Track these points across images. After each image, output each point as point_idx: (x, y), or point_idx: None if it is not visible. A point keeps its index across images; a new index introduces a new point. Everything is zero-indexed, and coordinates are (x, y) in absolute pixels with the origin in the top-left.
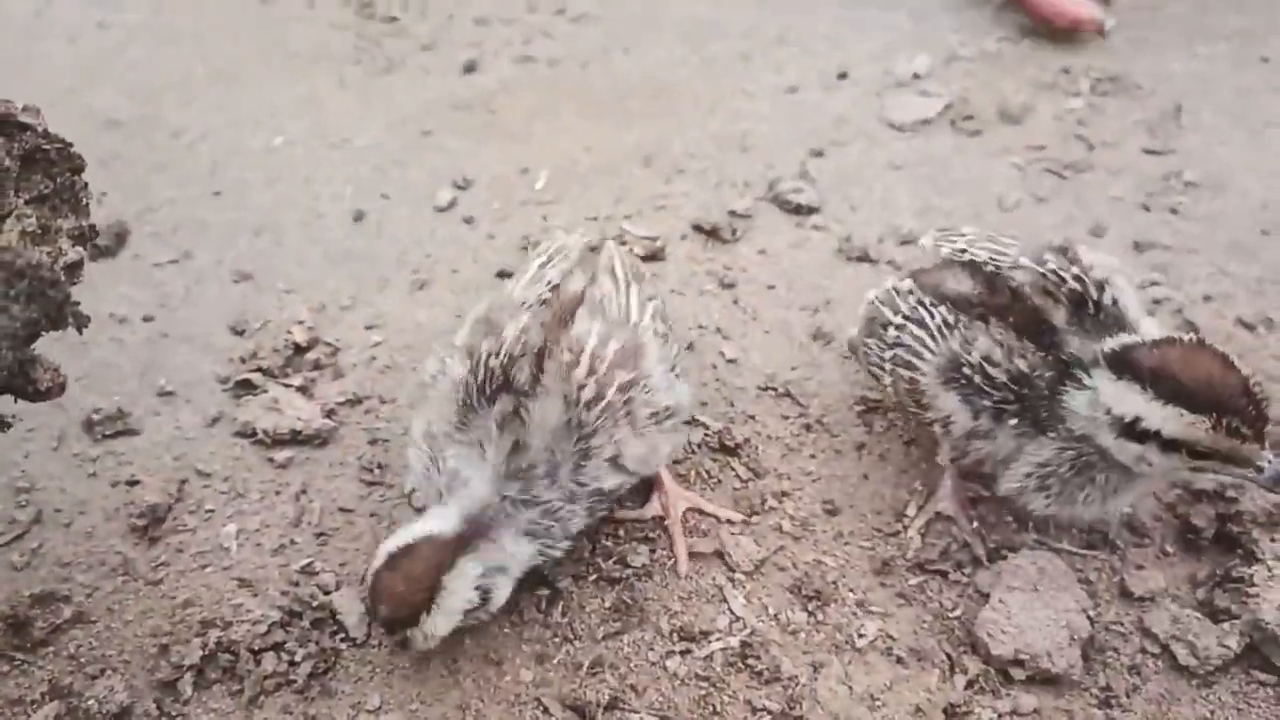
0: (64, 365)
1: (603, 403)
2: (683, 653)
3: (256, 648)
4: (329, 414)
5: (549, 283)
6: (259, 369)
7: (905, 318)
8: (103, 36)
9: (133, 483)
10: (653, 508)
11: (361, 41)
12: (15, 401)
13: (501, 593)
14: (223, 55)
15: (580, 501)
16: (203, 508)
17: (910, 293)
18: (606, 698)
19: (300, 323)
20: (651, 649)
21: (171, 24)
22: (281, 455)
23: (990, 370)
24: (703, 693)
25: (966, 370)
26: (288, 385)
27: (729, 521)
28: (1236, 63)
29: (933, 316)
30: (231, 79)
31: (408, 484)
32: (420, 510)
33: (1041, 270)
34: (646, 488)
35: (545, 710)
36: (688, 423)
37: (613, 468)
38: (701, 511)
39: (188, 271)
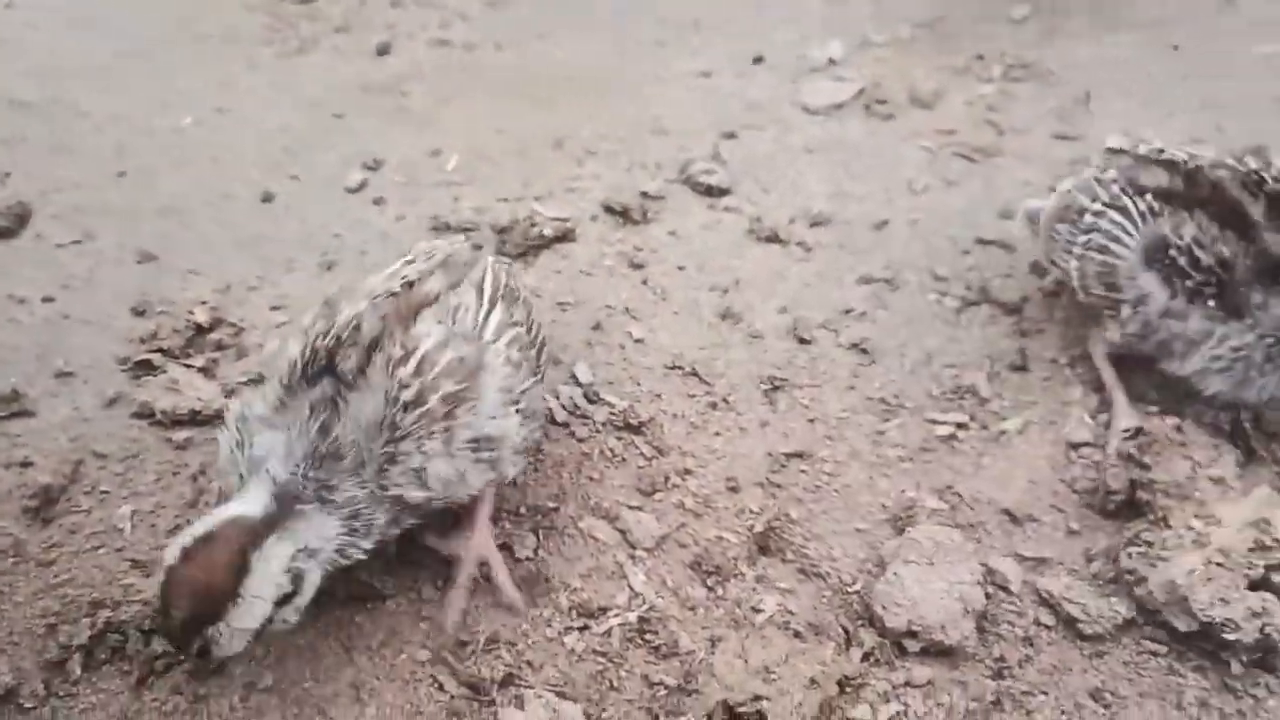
0: None
1: (422, 408)
2: (581, 629)
3: (147, 628)
4: (230, 394)
5: (404, 279)
6: (159, 349)
7: (1105, 204)
8: (9, 17)
9: (26, 464)
10: (452, 546)
11: (274, 23)
12: None
13: (312, 579)
14: (133, 37)
15: (383, 506)
16: (98, 489)
17: (1113, 181)
18: (502, 674)
19: (203, 303)
20: (549, 625)
21: (81, 5)
22: (180, 436)
23: (1198, 253)
24: (600, 668)
25: (1173, 252)
26: (189, 366)
27: (510, 608)
28: (1147, 51)
29: (1136, 204)
30: (141, 61)
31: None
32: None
33: (1241, 168)
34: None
35: (440, 687)
36: (521, 453)
37: (417, 481)
38: (487, 579)
39: (90, 253)
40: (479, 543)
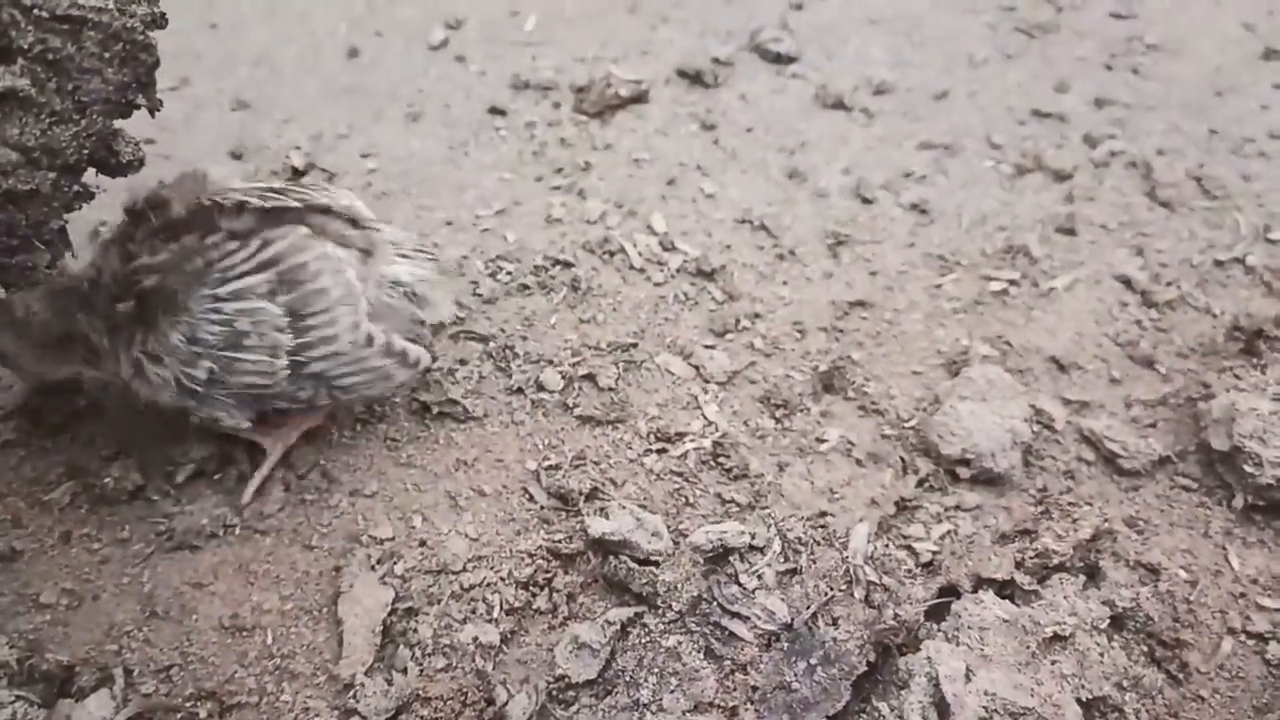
0: None
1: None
2: (659, 451)
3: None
4: None
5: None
6: None
7: None
8: None
9: None
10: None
11: None
12: (96, 174)
13: None
14: None
15: None
16: None
17: None
18: (588, 488)
19: (297, 148)
20: (630, 448)
21: None
22: None
23: None
24: (677, 486)
25: None
26: None
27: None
28: None
29: None
30: None
31: None
32: None
33: None
34: None
35: (531, 498)
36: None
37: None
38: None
39: (186, 98)
40: (281, 435)
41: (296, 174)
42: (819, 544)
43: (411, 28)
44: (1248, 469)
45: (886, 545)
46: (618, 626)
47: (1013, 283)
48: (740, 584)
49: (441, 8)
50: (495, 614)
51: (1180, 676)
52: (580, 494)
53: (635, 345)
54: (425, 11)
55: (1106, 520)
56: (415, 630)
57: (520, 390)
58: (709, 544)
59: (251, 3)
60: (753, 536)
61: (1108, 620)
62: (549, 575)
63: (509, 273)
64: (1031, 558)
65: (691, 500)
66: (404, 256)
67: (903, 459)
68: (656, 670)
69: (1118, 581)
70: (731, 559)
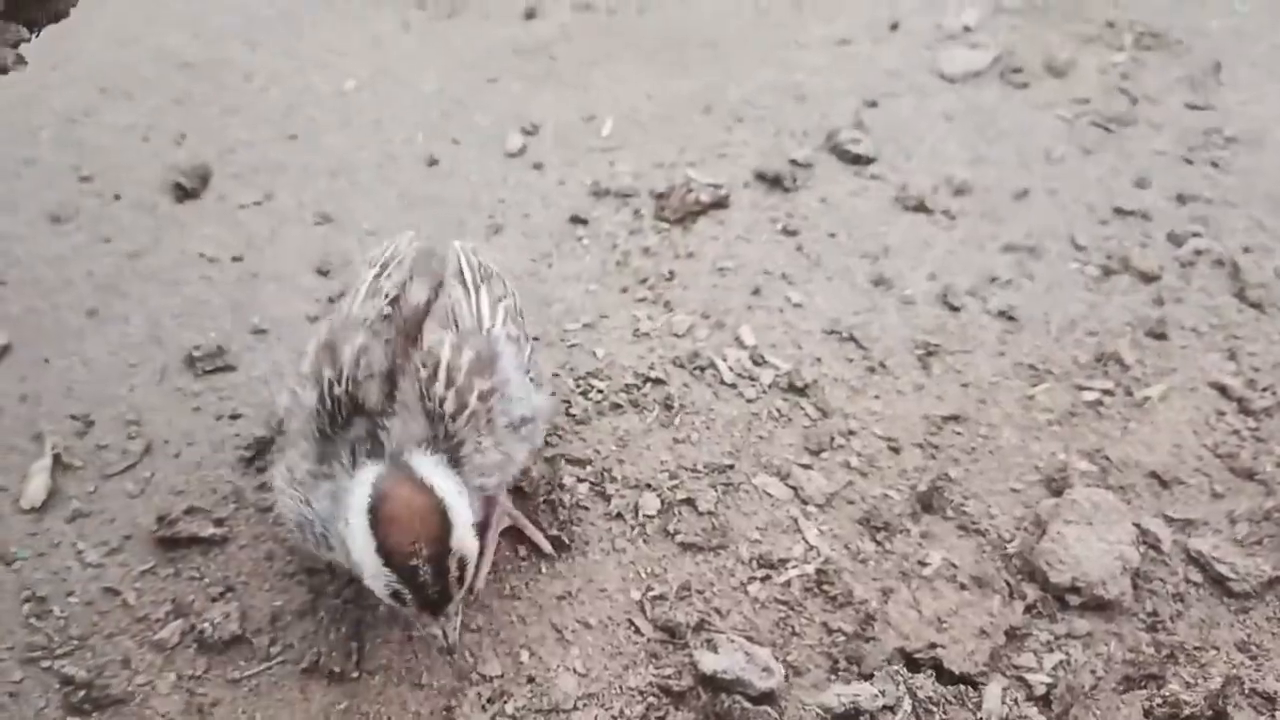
0: (156, 302)
1: (466, 412)
2: (763, 579)
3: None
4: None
5: (386, 295)
6: None
7: None
8: None
9: (235, 416)
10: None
11: None
12: None
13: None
14: None
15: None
16: None
17: None
18: (695, 619)
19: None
20: (733, 575)
21: None
22: None
23: None
24: (782, 615)
25: None
26: None
27: (543, 553)
28: (1272, 20)
29: None
30: (295, 21)
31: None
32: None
33: None
34: None
35: (638, 631)
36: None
37: (479, 473)
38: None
39: (271, 213)
40: (505, 509)
41: None
42: (950, 702)
43: (488, 134)
44: None
45: (1012, 696)
46: None
47: (1106, 392)
48: None
49: (516, 113)
50: None
51: None
52: (687, 626)
53: (732, 466)
54: (500, 117)
55: (1234, 667)
56: None
57: (620, 516)
58: (841, 706)
59: (327, 112)
60: (882, 693)
61: None
62: (661, 714)
63: (600, 391)
64: (1159, 705)
65: (798, 630)
66: None
67: (1008, 583)
68: None
69: None
70: (861, 719)
